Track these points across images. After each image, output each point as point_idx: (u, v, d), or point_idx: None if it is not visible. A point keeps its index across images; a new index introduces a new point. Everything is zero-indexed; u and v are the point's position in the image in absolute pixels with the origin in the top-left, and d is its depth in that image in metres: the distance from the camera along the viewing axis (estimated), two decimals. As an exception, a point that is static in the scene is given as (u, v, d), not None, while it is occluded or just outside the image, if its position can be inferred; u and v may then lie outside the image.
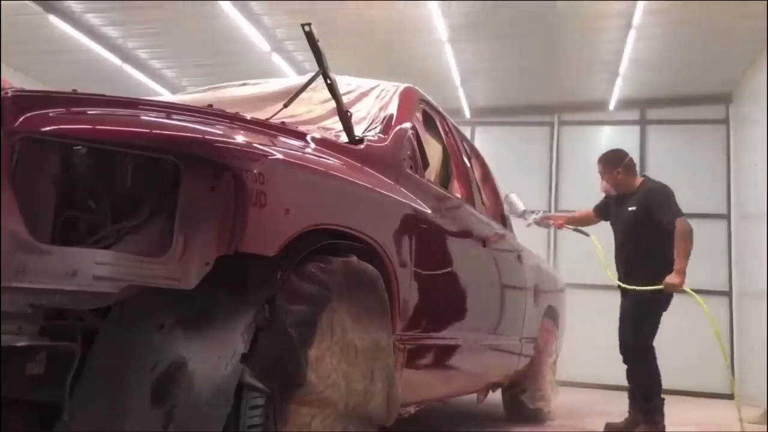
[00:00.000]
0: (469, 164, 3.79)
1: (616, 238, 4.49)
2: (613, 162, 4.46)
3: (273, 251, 1.57)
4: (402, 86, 3.03)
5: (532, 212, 4.75)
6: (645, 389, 4.16)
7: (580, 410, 5.69)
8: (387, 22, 7.38)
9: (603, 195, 4.70)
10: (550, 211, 9.64)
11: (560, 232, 9.55)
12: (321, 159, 1.98)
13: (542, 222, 4.80)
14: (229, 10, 7.39)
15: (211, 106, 1.91)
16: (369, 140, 2.43)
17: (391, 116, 2.71)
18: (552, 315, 5.02)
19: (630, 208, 4.30)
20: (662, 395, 4.17)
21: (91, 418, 1.43)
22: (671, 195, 4.28)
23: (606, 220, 4.58)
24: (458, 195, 3.41)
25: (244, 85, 3.24)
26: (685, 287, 4.03)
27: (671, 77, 8.58)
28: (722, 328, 8.63)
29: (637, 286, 4.15)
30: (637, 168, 9.32)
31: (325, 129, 2.47)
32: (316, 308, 1.68)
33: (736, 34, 7.33)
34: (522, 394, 4.71)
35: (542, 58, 8.26)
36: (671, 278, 4.00)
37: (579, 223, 4.84)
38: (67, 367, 1.46)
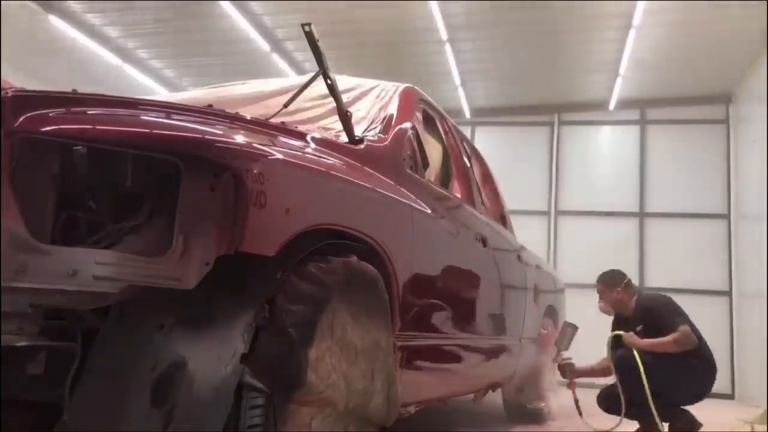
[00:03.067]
0: (469, 164, 3.79)
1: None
2: (614, 282, 4.28)
3: (273, 251, 1.57)
4: (402, 86, 3.03)
5: (567, 358, 4.41)
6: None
7: (580, 410, 5.68)
8: (387, 22, 7.38)
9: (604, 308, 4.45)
10: (550, 212, 9.65)
11: (560, 231, 9.62)
12: (321, 159, 1.97)
13: (562, 368, 4.40)
14: (229, 10, 7.39)
15: (211, 106, 1.91)
16: (369, 140, 2.43)
17: (391, 116, 2.71)
18: (552, 315, 5.02)
19: (638, 328, 4.05)
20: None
21: (91, 418, 1.43)
22: (670, 302, 4.16)
23: None
24: (458, 195, 3.41)
25: (244, 84, 3.24)
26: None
27: (671, 77, 8.59)
28: (721, 328, 8.67)
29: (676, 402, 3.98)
30: (637, 170, 9.42)
31: (325, 129, 2.47)
32: (316, 308, 1.68)
33: (736, 34, 7.34)
34: (522, 394, 4.71)
35: (542, 58, 8.27)
36: (636, 339, 3.93)
37: (599, 374, 4.31)
38: (67, 367, 1.46)
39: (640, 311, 4.13)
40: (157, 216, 1.54)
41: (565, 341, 4.36)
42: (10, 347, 1.40)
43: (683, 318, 4.01)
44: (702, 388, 4.08)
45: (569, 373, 4.30)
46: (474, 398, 4.43)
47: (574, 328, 4.39)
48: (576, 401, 4.20)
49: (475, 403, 4.51)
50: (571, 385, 4.33)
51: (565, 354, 4.37)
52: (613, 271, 4.42)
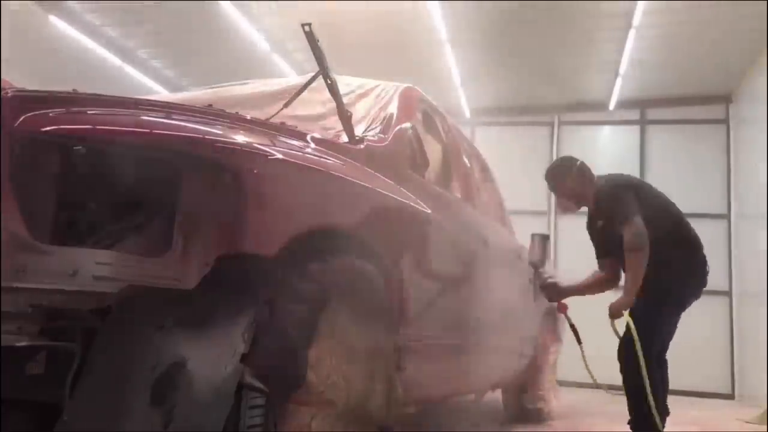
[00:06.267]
0: (469, 164, 3.79)
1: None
2: (563, 170, 3.49)
3: (273, 251, 1.57)
4: (402, 86, 3.03)
5: (548, 276, 3.60)
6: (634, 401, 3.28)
7: (580, 410, 5.69)
8: (387, 22, 7.38)
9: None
10: (550, 212, 9.65)
11: (560, 231, 9.59)
12: (321, 159, 1.98)
13: (545, 289, 3.56)
14: (230, 10, 7.39)
15: (211, 106, 1.91)
16: (369, 140, 2.43)
17: (391, 116, 2.71)
18: (552, 315, 5.02)
19: (600, 223, 3.40)
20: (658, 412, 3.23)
21: (91, 418, 1.43)
22: (617, 193, 3.29)
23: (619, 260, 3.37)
24: (458, 195, 3.41)
25: (244, 84, 3.24)
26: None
27: (671, 77, 8.58)
28: (721, 328, 8.68)
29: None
30: (637, 170, 9.39)
31: (325, 129, 2.47)
32: (316, 308, 1.68)
33: (736, 34, 7.34)
34: (522, 394, 4.71)
35: (542, 58, 8.26)
36: (615, 301, 3.20)
37: (593, 290, 3.58)
38: (67, 367, 1.46)
39: (597, 200, 3.36)
40: (157, 216, 1.54)
41: (537, 255, 3.56)
42: (10, 347, 1.40)
43: (633, 209, 3.17)
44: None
45: (555, 293, 3.54)
46: (474, 397, 4.42)
47: (544, 237, 3.66)
48: (572, 327, 3.54)
49: (476, 403, 4.51)
50: (561, 308, 3.60)
51: (546, 272, 3.60)
52: (561, 158, 3.66)
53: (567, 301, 3.63)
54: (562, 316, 3.75)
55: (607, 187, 3.36)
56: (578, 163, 3.48)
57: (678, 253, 3.33)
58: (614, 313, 3.21)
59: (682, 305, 3.39)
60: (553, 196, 9.54)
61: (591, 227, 3.51)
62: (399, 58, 7.84)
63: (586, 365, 3.53)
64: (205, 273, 1.46)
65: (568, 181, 3.45)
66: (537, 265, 3.57)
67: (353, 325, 1.87)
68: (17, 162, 1.46)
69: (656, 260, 3.18)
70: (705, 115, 9.27)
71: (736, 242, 8.72)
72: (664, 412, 3.38)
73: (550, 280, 3.54)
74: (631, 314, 3.18)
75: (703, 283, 3.49)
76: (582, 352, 3.55)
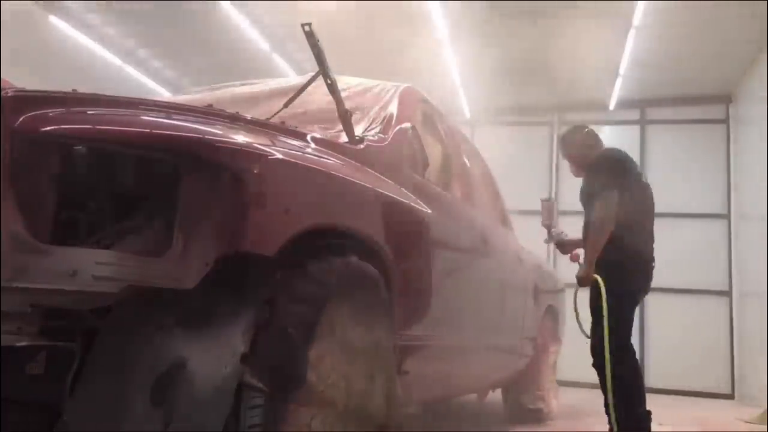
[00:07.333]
0: (469, 164, 3.79)
1: None
2: (572, 137, 3.77)
3: (273, 251, 1.57)
4: (402, 86, 3.03)
5: (559, 232, 3.96)
6: (623, 399, 3.22)
7: (580, 410, 5.69)
8: (387, 21, 7.37)
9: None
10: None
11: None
12: (321, 159, 1.98)
13: (560, 246, 3.93)
14: (229, 9, 7.40)
15: (211, 106, 1.91)
16: (369, 140, 2.43)
17: (391, 116, 2.71)
18: (552, 315, 5.02)
19: (585, 189, 3.53)
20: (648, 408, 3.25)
21: (91, 418, 1.43)
22: (604, 165, 3.40)
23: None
24: (458, 195, 3.41)
25: (244, 85, 3.24)
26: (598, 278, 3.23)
27: (671, 77, 8.58)
28: (721, 328, 8.67)
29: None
30: (638, 168, 9.36)
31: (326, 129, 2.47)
32: (316, 308, 1.68)
33: (736, 34, 7.34)
34: (522, 394, 4.71)
35: (542, 58, 8.26)
36: (578, 271, 3.36)
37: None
38: (67, 367, 1.46)
39: (588, 166, 3.53)
40: (157, 216, 1.54)
41: (550, 217, 3.96)
42: (10, 347, 1.40)
43: (612, 184, 3.24)
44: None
45: (567, 246, 3.88)
46: (477, 398, 4.42)
47: (550, 200, 4.09)
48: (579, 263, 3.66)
49: (478, 404, 4.51)
50: (574, 256, 3.86)
51: (556, 230, 3.94)
52: (574, 125, 3.93)
53: None
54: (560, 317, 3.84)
55: (598, 156, 3.55)
56: (586, 130, 3.76)
57: (630, 251, 3.35)
58: (578, 282, 3.38)
59: (635, 301, 3.50)
60: (553, 196, 9.62)
61: (581, 192, 3.61)
62: (399, 58, 7.84)
63: (576, 302, 3.60)
64: (205, 273, 1.46)
65: (574, 146, 3.73)
66: (549, 227, 3.97)
67: (353, 325, 1.87)
68: (17, 162, 1.46)
69: (609, 249, 3.26)
70: (705, 115, 9.27)
71: (736, 242, 8.71)
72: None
73: (561, 236, 3.92)
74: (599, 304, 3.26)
75: (650, 278, 3.55)
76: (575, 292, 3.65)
